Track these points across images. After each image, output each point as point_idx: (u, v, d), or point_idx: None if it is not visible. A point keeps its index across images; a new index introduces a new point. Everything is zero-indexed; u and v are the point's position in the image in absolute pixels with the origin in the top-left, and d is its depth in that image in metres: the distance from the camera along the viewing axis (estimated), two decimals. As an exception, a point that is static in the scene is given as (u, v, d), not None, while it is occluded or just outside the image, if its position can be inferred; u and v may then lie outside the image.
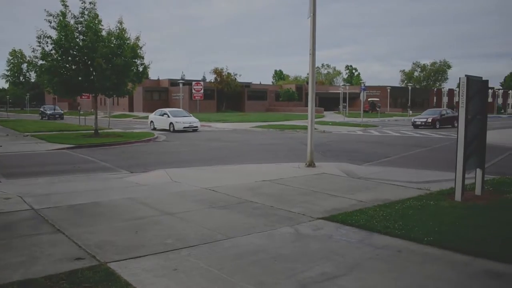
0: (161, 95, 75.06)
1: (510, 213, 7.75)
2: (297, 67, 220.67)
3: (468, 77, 8.53)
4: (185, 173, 12.40)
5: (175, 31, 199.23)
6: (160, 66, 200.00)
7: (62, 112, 59.09)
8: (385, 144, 22.88)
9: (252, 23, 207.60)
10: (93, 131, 26.42)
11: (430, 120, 36.01)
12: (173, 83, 73.58)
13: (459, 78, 8.63)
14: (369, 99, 71.88)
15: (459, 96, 8.61)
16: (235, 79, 73.70)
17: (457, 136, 8.55)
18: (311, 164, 13.44)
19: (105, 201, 8.91)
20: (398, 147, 21.22)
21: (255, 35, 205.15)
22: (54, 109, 58.57)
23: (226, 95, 72.93)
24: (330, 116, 60.56)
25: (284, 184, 10.67)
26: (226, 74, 72.85)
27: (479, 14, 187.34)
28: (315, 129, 31.56)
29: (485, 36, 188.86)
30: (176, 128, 31.42)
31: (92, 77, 24.04)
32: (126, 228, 6.88)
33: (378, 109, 45.97)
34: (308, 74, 13.84)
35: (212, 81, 73.85)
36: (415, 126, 36.60)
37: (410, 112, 65.72)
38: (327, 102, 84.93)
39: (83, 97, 35.81)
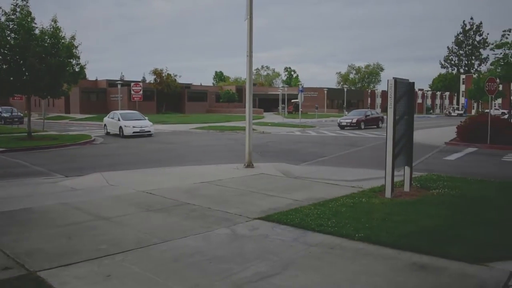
0: (98, 96, 73.00)
1: (434, 207, 8.18)
2: (238, 69, 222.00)
3: (396, 80, 8.93)
4: (122, 176, 12.17)
5: (114, 30, 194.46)
6: (98, 66, 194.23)
7: (22, 115, 43.77)
8: (322, 144, 23.45)
9: (193, 24, 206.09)
10: (26, 134, 25.30)
11: (355, 121, 36.83)
12: (112, 83, 71.66)
13: (387, 80, 9.03)
14: (292, 101, 73.17)
15: (387, 97, 8.99)
16: (175, 80, 72.81)
17: (386, 135, 8.93)
18: (249, 165, 13.56)
19: (37, 207, 8.59)
20: (334, 146, 21.81)
21: (195, 36, 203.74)
22: (12, 112, 46.00)
23: (166, 96, 71.93)
24: (269, 117, 61.22)
25: (222, 185, 10.71)
26: (166, 75, 71.80)
27: (410, 19, 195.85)
28: (255, 130, 31.92)
29: (416, 41, 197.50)
30: (125, 133, 27.91)
31: (24, 77, 23.02)
32: (58, 235, 6.67)
33: (300, 110, 47.22)
34: (249, 75, 13.95)
35: (152, 82, 72.61)
36: (341, 127, 37.15)
37: (346, 112, 67.57)
38: (267, 103, 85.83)
39: (15, 98, 33.89)
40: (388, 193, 9.04)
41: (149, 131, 28.58)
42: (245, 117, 14.03)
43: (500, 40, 27.33)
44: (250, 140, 13.86)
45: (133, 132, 27.82)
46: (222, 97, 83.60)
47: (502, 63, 27.14)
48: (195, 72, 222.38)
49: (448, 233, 6.57)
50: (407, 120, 9.71)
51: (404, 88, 9.50)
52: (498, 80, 27.47)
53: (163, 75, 71.56)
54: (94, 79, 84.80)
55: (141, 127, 28.32)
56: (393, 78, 8.95)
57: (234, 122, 44.32)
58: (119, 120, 29.15)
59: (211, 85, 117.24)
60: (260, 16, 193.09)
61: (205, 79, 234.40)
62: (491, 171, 14.06)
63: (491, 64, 29.57)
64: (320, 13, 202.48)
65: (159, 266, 5.38)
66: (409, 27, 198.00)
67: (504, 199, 9.08)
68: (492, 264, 5.43)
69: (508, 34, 26.85)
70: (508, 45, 26.85)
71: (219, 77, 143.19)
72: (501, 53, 27.16)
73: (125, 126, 28.21)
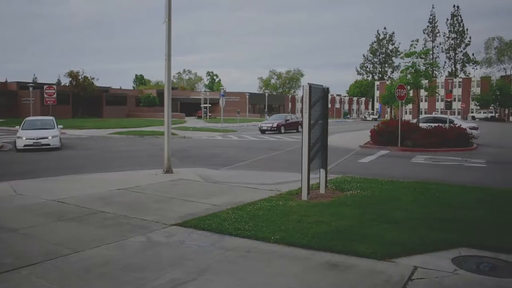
0: (8, 99, 68.70)
1: (347, 208, 8.53)
2: (159, 72, 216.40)
3: (311, 85, 9.21)
4: (32, 185, 11.52)
5: (27, 29, 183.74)
6: (8, 67, 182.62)
7: None
8: (243, 148, 23.64)
9: (112, 25, 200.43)
10: None
11: (275, 125, 37.46)
12: (23, 86, 67.56)
13: (303, 86, 9.27)
14: (201, 106, 73.47)
15: (302, 103, 9.24)
16: (93, 83, 70.29)
17: (302, 139, 9.17)
18: (168, 170, 13.37)
19: None
20: (255, 150, 22.05)
21: (115, 38, 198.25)
22: None
23: (83, 100, 69.24)
24: (191, 121, 60.83)
25: (140, 191, 10.47)
26: (83, 77, 69.13)
27: (329, 27, 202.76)
28: (175, 135, 31.58)
29: (334, 48, 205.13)
30: (17, 146, 21.77)
31: None
32: (-44, 250, 6.19)
33: (209, 114, 47.75)
34: (168, 79, 13.77)
35: (67, 84, 69.55)
36: (262, 131, 37.59)
37: (267, 117, 68.67)
38: (189, 107, 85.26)
39: None
40: (304, 196, 9.28)
41: (48, 144, 21.80)
42: (164, 121, 13.83)
43: (409, 49, 29.16)
44: (169, 145, 13.69)
45: (24, 146, 21.54)
46: (142, 101, 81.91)
47: (413, 71, 28.82)
48: (114, 75, 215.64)
49: (359, 232, 6.87)
50: (322, 124, 10.03)
51: (319, 94, 9.81)
52: (408, 87, 29.13)
53: (80, 77, 68.86)
54: (3, 81, 79.82)
55: (36, 139, 21.70)
56: (308, 84, 9.21)
57: (155, 126, 43.51)
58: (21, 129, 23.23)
59: (131, 88, 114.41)
60: (182, 19, 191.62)
61: (125, 83, 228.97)
62: (400, 172, 14.84)
63: (401, 72, 31.30)
64: (242, 18, 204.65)
65: (68, 278, 5.16)
66: (328, 34, 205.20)
67: (411, 198, 9.62)
68: (399, 260, 5.75)
69: (416, 44, 28.71)
70: (416, 54, 28.63)
71: (140, 80, 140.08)
72: (409, 61, 28.89)
73: (18, 137, 22.12)
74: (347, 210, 8.33)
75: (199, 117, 69.79)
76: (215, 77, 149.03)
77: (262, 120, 54.76)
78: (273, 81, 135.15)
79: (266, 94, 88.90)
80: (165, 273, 5.29)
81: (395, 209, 8.55)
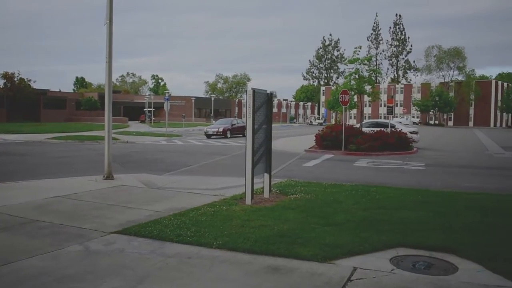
0: None
1: (290, 212, 8.59)
2: (101, 75, 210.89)
3: (254, 90, 9.23)
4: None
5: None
6: None
7: None
8: (188, 153, 23.41)
9: (51, 25, 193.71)
10: None
11: (221, 130, 37.25)
12: None
13: (246, 91, 9.28)
14: (144, 110, 72.73)
15: (246, 107, 9.24)
16: (29, 85, 67.45)
17: (245, 144, 9.16)
18: (109, 177, 13.00)
19: None
20: (200, 155, 21.88)
21: (53, 38, 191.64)
22: None
23: (19, 103, 66.27)
24: (135, 126, 59.71)
25: (78, 199, 10.10)
26: (19, 79, 66.25)
27: (276, 32, 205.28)
28: (117, 139, 30.87)
29: (281, 53, 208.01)
30: None
31: None
32: None
33: (154, 118, 47.13)
34: (108, 82, 13.40)
35: (2, 87, 66.44)
36: (208, 136, 37.30)
37: (213, 121, 68.53)
38: (133, 111, 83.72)
39: None
40: (248, 200, 9.26)
41: None
42: (105, 125, 13.45)
43: (353, 56, 30.00)
44: (110, 150, 13.31)
45: None
46: (83, 105, 79.50)
47: (357, 77, 29.63)
48: (53, 78, 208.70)
49: (302, 235, 6.92)
50: (266, 129, 10.06)
51: (263, 99, 9.84)
52: (352, 92, 29.89)
53: (15, 79, 65.94)
54: None
55: None
56: (252, 88, 9.23)
57: (96, 131, 42.29)
58: None
59: (72, 91, 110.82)
60: (127, 21, 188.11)
61: (65, 86, 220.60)
62: (344, 175, 15.16)
63: (345, 78, 32.10)
64: (189, 21, 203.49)
65: (-3, 291, 4.88)
66: (275, 39, 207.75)
67: (352, 201, 9.81)
68: (339, 262, 5.84)
69: (359, 51, 29.59)
70: (359, 60, 29.48)
71: (81, 83, 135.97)
72: (353, 67, 29.73)
73: None
74: (290, 214, 8.39)
75: (143, 121, 68.63)
76: (160, 80, 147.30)
77: (208, 124, 54.51)
78: (219, 85, 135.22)
79: (213, 99, 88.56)
80: (102, 283, 5.11)
81: (337, 212, 8.69)
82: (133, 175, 13.99)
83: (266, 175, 10.15)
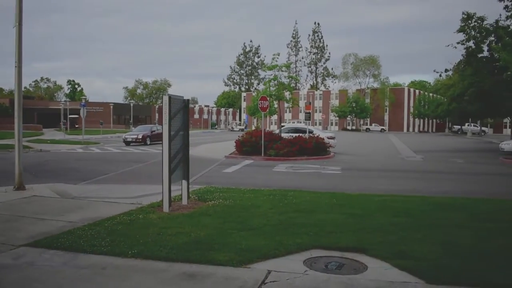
0: None
1: (208, 218, 8.64)
2: (13, 80, 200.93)
3: (170, 96, 9.20)
4: None
5: None
6: None
7: None
8: (105, 161, 22.75)
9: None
10: None
11: (140, 137, 36.43)
12: None
13: (162, 97, 9.24)
14: (69, 116, 70.29)
15: (162, 114, 9.19)
16: None
17: (162, 151, 9.10)
18: (20, 187, 12.34)
19: None
20: (118, 163, 21.33)
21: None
22: None
23: None
24: (50, 133, 57.01)
25: (-16, 211, 9.51)
26: None
27: (197, 37, 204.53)
28: (30, 148, 29.37)
29: (202, 59, 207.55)
30: None
31: None
32: None
33: (76, 126, 45.36)
34: (23, 88, 12.74)
35: None
36: (127, 143, 36.38)
37: (133, 128, 67.02)
38: (48, 118, 79.93)
39: None
40: (165, 208, 9.20)
41: None
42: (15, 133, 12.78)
43: (271, 63, 30.68)
44: (21, 159, 12.65)
45: None
46: (-7, 112, 74.77)
47: (276, 84, 30.30)
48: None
49: (218, 241, 6.99)
50: (183, 135, 10.04)
51: (179, 105, 9.82)
52: (272, 98, 30.52)
53: None
54: None
55: None
56: (167, 95, 9.21)
57: (8, 139, 39.87)
58: None
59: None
60: (41, 23, 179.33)
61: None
62: (262, 181, 15.44)
63: (264, 84, 32.69)
64: (105, 25, 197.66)
65: None
66: (196, 45, 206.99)
67: (269, 205, 10.03)
68: (254, 266, 5.97)
69: (278, 58, 30.33)
70: (278, 67, 30.19)
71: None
72: (272, 74, 30.40)
73: None
74: (208, 220, 8.43)
75: (63, 129, 65.73)
76: (76, 86, 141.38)
77: (127, 131, 53.11)
78: (139, 91, 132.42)
79: (132, 105, 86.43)
80: (8, 298, 4.88)
81: (254, 216, 8.85)
82: (46, 185, 13.38)
83: (184, 182, 10.12)
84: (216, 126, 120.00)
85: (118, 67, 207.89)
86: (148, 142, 36.51)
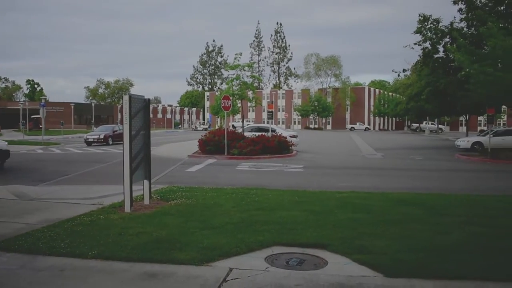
0: None
1: (170, 217, 8.63)
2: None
3: (130, 96, 9.14)
4: None
5: None
6: None
7: None
8: (66, 162, 22.29)
9: None
10: None
11: (102, 137, 35.88)
12: None
13: (123, 96, 9.16)
14: (32, 116, 68.62)
15: (123, 114, 9.11)
16: None
17: (123, 151, 9.02)
18: (-25, 189, 11.99)
19: None
20: (79, 164, 20.94)
21: None
22: None
23: None
24: (8, 134, 55.33)
25: None
26: None
27: (159, 36, 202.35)
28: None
29: (165, 58, 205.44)
30: None
31: None
32: None
33: (40, 126, 44.22)
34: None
35: None
36: (88, 143, 35.77)
37: (94, 128, 65.82)
38: (6, 119, 77.46)
39: None
40: (127, 208, 9.12)
41: None
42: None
43: (234, 62, 30.74)
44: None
45: None
46: None
47: (239, 83, 30.34)
48: None
49: (180, 240, 6.99)
50: (144, 135, 9.96)
51: (140, 105, 9.75)
52: (235, 98, 30.53)
53: None
54: None
55: None
56: (128, 94, 9.16)
57: (-38, 141, 38.59)
58: None
59: None
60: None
61: None
62: (226, 179, 15.46)
63: (226, 83, 32.68)
64: (66, 23, 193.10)
65: None
66: (159, 44, 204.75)
67: (232, 204, 10.07)
68: (216, 264, 6.02)
69: (240, 57, 30.40)
70: (240, 66, 30.26)
71: None
72: (234, 73, 30.45)
73: None
74: (170, 219, 8.41)
75: (31, 129, 63.91)
76: (36, 86, 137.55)
77: (89, 131, 52.11)
78: (101, 90, 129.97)
79: (93, 104, 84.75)
80: (-39, 303, 4.76)
81: (216, 215, 8.88)
82: (3, 187, 12.98)
83: (146, 182, 10.05)
84: (180, 126, 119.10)
85: (79, 67, 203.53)
86: (110, 142, 35.93)
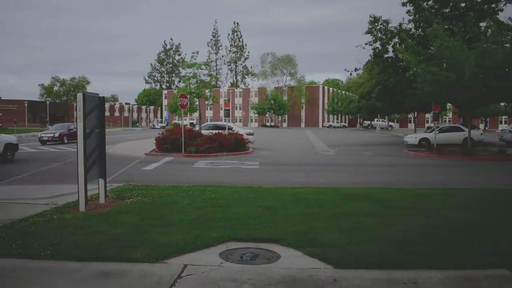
0: None
1: (126, 216, 8.64)
2: None
3: (85, 94, 9.08)
4: None
5: None
6: None
7: None
8: (19, 161, 21.59)
9: None
10: None
11: (57, 135, 35.06)
12: None
13: (77, 94, 9.09)
14: None
15: (77, 112, 9.04)
16: None
17: (77, 149, 8.95)
18: None
19: None
20: (33, 163, 20.41)
21: None
22: None
23: None
24: (-46, 134, 52.95)
25: None
26: None
27: (118, 34, 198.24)
28: None
29: (122, 55, 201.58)
30: None
31: None
32: None
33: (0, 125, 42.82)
34: None
35: None
36: (43, 142, 34.86)
37: (50, 127, 64.04)
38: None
39: None
40: (82, 207, 9.06)
41: None
42: None
43: (190, 61, 30.75)
44: None
45: None
46: None
47: (196, 82, 30.34)
48: None
49: (135, 238, 7.04)
50: (98, 133, 9.91)
51: (95, 103, 9.69)
52: (192, 96, 30.49)
53: None
54: None
55: None
56: (82, 92, 9.14)
57: None
58: None
59: None
60: None
61: None
62: (182, 177, 15.46)
63: (183, 82, 32.58)
64: (18, 19, 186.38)
65: None
66: (116, 42, 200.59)
67: (188, 201, 10.16)
68: (171, 261, 6.11)
69: (197, 56, 30.47)
70: (197, 65, 30.30)
71: None
72: (191, 72, 30.45)
73: None
74: (125, 218, 8.42)
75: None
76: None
77: (43, 130, 50.64)
78: (56, 88, 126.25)
79: (48, 102, 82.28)
80: None
81: (173, 212, 8.95)
82: (-51, 189, 12.61)
83: (101, 181, 9.99)
84: (137, 124, 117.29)
85: (33, 64, 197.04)
86: (66, 141, 35.10)
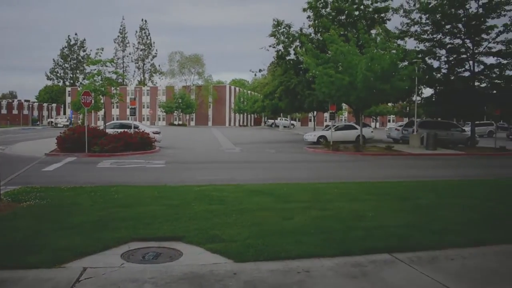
0: None
1: (22, 220, 8.32)
2: None
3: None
4: None
5: None
6: None
7: None
8: None
9: None
10: None
11: None
12: None
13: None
14: None
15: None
16: None
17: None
18: None
19: None
20: None
21: None
22: None
23: None
24: None
25: None
26: None
27: (12, 25, 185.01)
28: None
29: (20, 49, 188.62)
30: None
31: None
32: None
33: None
34: None
35: None
36: None
37: None
38: None
39: None
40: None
41: None
42: None
43: (95, 57, 29.83)
44: None
45: None
46: None
47: (101, 79, 29.46)
48: None
49: (32, 243, 6.82)
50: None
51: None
52: (97, 94, 29.55)
53: None
54: None
55: None
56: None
57: None
58: None
59: None
60: None
61: None
62: (86, 178, 14.99)
63: (87, 79, 31.45)
64: None
65: None
66: (13, 35, 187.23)
67: (90, 202, 9.94)
68: (69, 265, 6.01)
69: (102, 52, 29.61)
70: (102, 62, 29.45)
71: None
72: (95, 69, 29.57)
73: None
74: (22, 222, 8.10)
75: None
76: None
77: None
78: None
79: None
80: None
81: (73, 215, 8.73)
82: None
83: (-5, 185, 9.52)
84: (38, 122, 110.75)
85: None
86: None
